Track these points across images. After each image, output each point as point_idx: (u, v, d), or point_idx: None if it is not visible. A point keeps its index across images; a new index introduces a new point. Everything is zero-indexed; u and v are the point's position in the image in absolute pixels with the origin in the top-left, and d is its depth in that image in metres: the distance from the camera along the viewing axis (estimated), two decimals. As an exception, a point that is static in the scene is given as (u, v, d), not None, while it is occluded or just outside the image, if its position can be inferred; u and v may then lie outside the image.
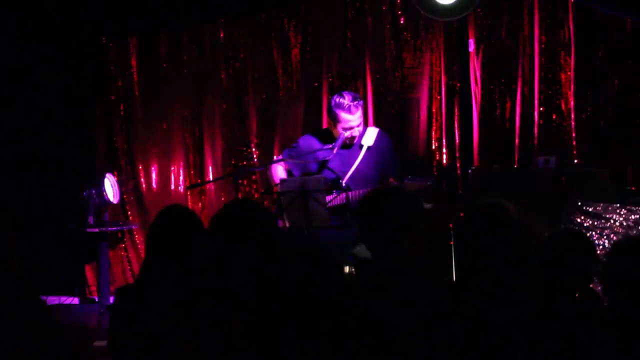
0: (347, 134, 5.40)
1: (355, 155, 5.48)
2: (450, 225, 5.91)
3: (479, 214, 2.83)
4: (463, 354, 2.69)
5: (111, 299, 6.30)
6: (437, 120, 6.39)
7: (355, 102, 5.36)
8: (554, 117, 6.15)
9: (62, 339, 2.81)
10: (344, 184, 5.45)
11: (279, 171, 5.61)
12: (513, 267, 2.73)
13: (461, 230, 2.83)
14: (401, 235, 2.91)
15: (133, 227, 6.72)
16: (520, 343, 2.65)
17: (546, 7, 6.09)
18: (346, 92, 5.45)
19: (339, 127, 5.39)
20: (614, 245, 2.77)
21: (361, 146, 5.48)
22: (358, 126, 5.41)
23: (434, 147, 6.42)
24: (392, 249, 2.91)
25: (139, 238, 6.82)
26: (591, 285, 3.27)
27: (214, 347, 2.79)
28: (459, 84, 6.30)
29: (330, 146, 5.50)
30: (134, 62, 6.80)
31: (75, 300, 6.78)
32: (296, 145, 5.67)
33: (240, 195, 6.61)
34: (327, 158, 5.47)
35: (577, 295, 3.12)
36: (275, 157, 6.37)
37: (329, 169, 5.50)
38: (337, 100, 5.37)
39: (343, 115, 5.35)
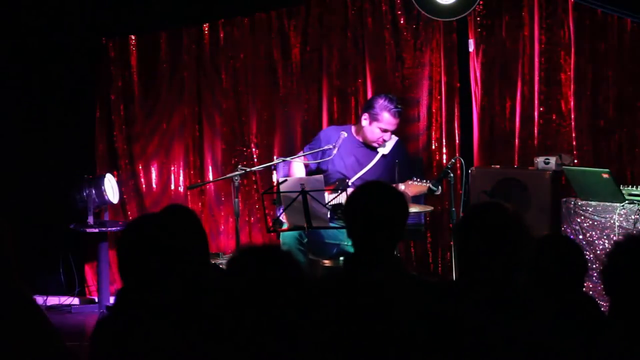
0: (379, 138, 5.43)
1: (371, 158, 5.53)
2: (451, 225, 5.92)
3: (477, 214, 2.82)
4: (456, 355, 2.69)
5: (111, 299, 6.30)
6: (437, 120, 6.39)
7: (399, 110, 5.49)
8: (554, 117, 6.15)
9: (56, 343, 2.79)
10: (350, 184, 5.48)
11: (297, 168, 5.63)
12: (511, 268, 2.73)
13: (459, 231, 2.81)
14: (381, 230, 2.90)
15: (133, 227, 6.70)
16: (515, 345, 2.65)
17: (546, 7, 6.09)
18: (394, 97, 5.57)
19: (376, 126, 5.49)
20: (615, 244, 2.76)
21: (377, 152, 5.54)
22: (392, 133, 5.49)
23: (434, 147, 6.42)
24: (370, 242, 2.91)
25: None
26: (590, 285, 3.27)
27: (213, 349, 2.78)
28: (459, 84, 6.31)
29: (331, 146, 5.52)
30: (134, 62, 6.79)
31: (76, 300, 6.77)
32: (317, 138, 5.72)
33: (240, 196, 6.61)
34: (328, 158, 5.49)
35: (568, 299, 3.11)
36: (275, 157, 6.37)
37: (334, 168, 5.52)
38: (385, 102, 5.50)
39: (386, 116, 5.47)
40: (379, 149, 5.58)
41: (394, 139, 5.66)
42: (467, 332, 2.67)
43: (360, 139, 5.64)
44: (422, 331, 2.73)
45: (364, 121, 5.54)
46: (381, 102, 5.50)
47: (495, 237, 2.71)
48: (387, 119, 5.48)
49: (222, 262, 5.35)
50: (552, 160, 5.66)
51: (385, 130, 5.50)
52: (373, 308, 2.79)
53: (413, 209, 4.97)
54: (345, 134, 5.52)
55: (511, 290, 2.71)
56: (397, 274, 2.91)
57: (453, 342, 2.69)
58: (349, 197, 3.05)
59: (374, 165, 5.56)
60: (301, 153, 5.80)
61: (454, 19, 5.88)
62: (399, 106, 5.54)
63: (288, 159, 5.68)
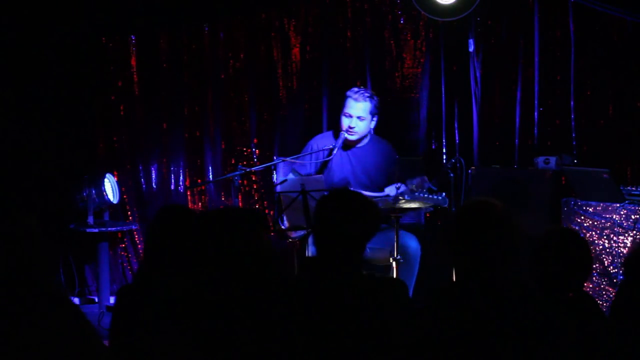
0: (345, 123, 5.45)
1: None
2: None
3: (466, 212, 2.82)
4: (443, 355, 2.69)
5: (111, 299, 6.30)
6: (437, 120, 6.39)
7: (366, 95, 5.52)
8: (554, 117, 6.15)
9: (95, 340, 2.82)
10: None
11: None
12: (502, 265, 2.72)
13: (449, 229, 2.81)
14: (347, 242, 2.89)
15: (133, 227, 6.72)
16: (510, 343, 2.64)
17: (546, 7, 6.09)
18: (364, 88, 5.68)
19: (342, 112, 5.55)
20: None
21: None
22: (359, 119, 5.45)
23: (434, 147, 6.42)
24: (336, 251, 2.90)
25: (138, 238, 6.82)
26: (590, 285, 3.26)
27: (213, 347, 2.79)
28: (458, 84, 6.31)
29: (331, 146, 5.52)
30: (133, 62, 6.80)
31: (75, 300, 6.77)
32: (307, 147, 5.70)
33: (240, 197, 6.61)
34: (328, 159, 5.49)
35: (570, 295, 3.10)
36: (275, 157, 6.37)
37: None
38: (353, 87, 5.63)
39: (348, 100, 5.54)
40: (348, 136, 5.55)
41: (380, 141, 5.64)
42: (458, 329, 2.67)
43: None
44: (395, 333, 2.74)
45: (340, 116, 5.62)
46: (348, 91, 5.60)
47: (482, 235, 2.71)
48: (348, 102, 5.53)
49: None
50: (552, 160, 5.66)
51: (349, 116, 5.51)
52: (335, 312, 2.78)
53: (414, 204, 4.97)
54: (346, 134, 5.52)
55: (503, 287, 2.71)
56: (360, 276, 2.90)
57: (436, 342, 2.69)
58: (317, 205, 3.01)
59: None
60: (302, 154, 5.77)
61: (454, 19, 5.88)
62: (366, 91, 5.57)
63: (288, 159, 5.68)
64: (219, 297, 2.84)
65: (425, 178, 5.26)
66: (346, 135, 5.50)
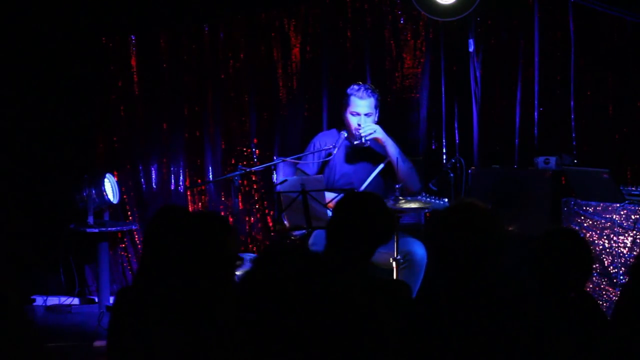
0: (354, 122, 5.43)
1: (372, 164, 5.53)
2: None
3: (449, 215, 2.81)
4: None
5: (111, 299, 6.30)
6: (437, 120, 6.39)
7: (369, 91, 5.50)
8: (554, 117, 6.15)
9: (34, 340, 2.81)
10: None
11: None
12: (491, 265, 2.72)
13: (434, 231, 2.81)
14: (362, 241, 2.92)
15: (133, 227, 6.72)
16: (509, 344, 2.64)
17: (546, 7, 6.09)
18: (365, 84, 5.63)
19: (347, 111, 5.49)
20: None
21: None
22: (367, 115, 5.45)
23: (434, 147, 6.42)
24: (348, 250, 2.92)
25: (138, 238, 6.82)
26: (590, 285, 3.25)
27: (212, 347, 2.79)
28: (458, 84, 6.31)
29: (331, 146, 5.51)
30: (134, 62, 6.80)
31: (75, 300, 6.77)
32: (311, 144, 5.70)
33: (240, 196, 6.61)
34: (328, 159, 5.48)
35: (572, 295, 3.10)
36: (275, 157, 6.37)
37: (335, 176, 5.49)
38: (352, 86, 5.56)
39: (352, 98, 5.49)
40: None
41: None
42: (456, 331, 2.67)
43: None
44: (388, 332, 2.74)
45: (344, 115, 5.56)
46: (349, 89, 5.54)
47: (467, 237, 2.70)
48: (353, 100, 5.48)
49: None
50: (552, 160, 5.66)
51: (356, 114, 5.47)
52: (335, 312, 2.79)
53: (414, 204, 4.96)
54: (346, 134, 5.52)
55: (496, 287, 2.71)
56: (366, 276, 2.91)
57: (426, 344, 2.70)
58: (337, 204, 3.03)
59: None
60: (304, 154, 5.76)
61: (454, 19, 5.88)
62: (368, 88, 5.52)
63: (288, 159, 5.68)
64: (216, 297, 2.84)
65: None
66: (354, 132, 5.48)
